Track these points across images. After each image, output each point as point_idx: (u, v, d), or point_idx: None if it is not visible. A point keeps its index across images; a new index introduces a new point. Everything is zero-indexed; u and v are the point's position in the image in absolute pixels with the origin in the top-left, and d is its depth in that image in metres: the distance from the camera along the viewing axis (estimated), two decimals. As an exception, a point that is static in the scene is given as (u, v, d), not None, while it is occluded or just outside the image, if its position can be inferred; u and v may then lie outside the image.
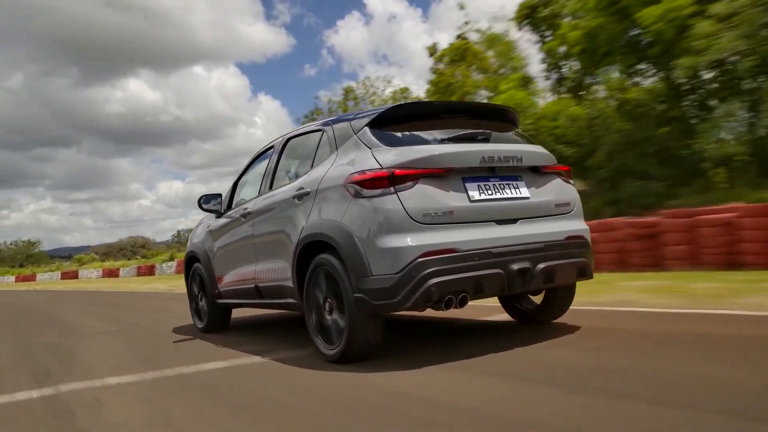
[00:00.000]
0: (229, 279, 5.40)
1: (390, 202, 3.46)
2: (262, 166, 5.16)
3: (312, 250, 3.94)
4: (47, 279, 51.36)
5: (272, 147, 5.06)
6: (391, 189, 3.49)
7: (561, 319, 4.55)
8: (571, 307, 4.47)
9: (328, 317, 3.86)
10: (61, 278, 49.22)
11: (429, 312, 4.10)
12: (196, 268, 6.07)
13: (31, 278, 54.13)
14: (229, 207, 5.55)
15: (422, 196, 3.51)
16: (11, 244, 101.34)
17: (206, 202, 5.67)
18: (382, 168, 3.56)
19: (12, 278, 58.20)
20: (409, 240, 3.42)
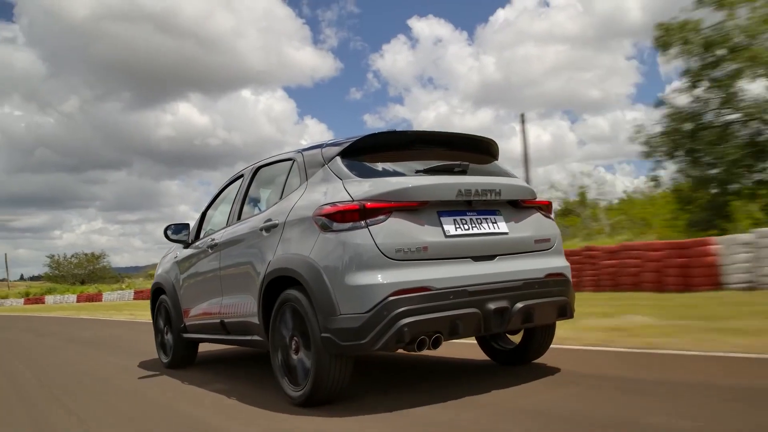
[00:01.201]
0: (195, 312, 5.15)
1: (360, 237, 3.27)
2: (231, 196, 4.95)
3: (279, 286, 3.72)
4: (116, 299, 39.11)
5: (242, 176, 4.86)
6: (362, 223, 3.30)
7: (540, 360, 4.35)
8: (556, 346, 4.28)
9: (295, 357, 3.63)
10: (135, 297, 36.91)
11: (402, 351, 3.88)
12: (162, 301, 5.80)
13: (97, 298, 42.49)
14: (197, 237, 5.32)
15: (395, 230, 3.32)
16: (72, 257, 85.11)
17: (175, 232, 5.43)
18: (353, 200, 3.37)
19: (73, 298, 46.49)
20: (380, 277, 3.22)
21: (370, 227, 3.29)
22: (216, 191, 5.38)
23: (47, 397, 4.77)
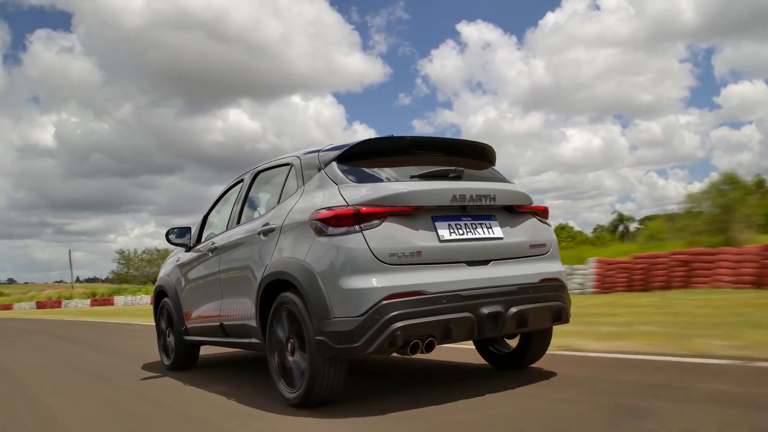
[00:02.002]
0: (196, 315, 5.21)
1: (354, 241, 3.31)
2: (231, 200, 5.00)
3: (275, 289, 3.77)
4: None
5: (242, 180, 4.91)
6: (356, 227, 3.34)
7: (538, 364, 4.36)
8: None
9: (290, 359, 3.67)
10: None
11: (395, 354, 3.91)
12: (165, 303, 5.87)
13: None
14: (199, 241, 5.37)
15: (389, 235, 3.36)
16: (143, 253, 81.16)
17: (178, 236, 5.48)
18: (348, 205, 3.41)
19: (147, 299, 42.94)
20: (374, 281, 3.25)
21: (364, 232, 3.33)
22: (217, 195, 5.43)
23: None
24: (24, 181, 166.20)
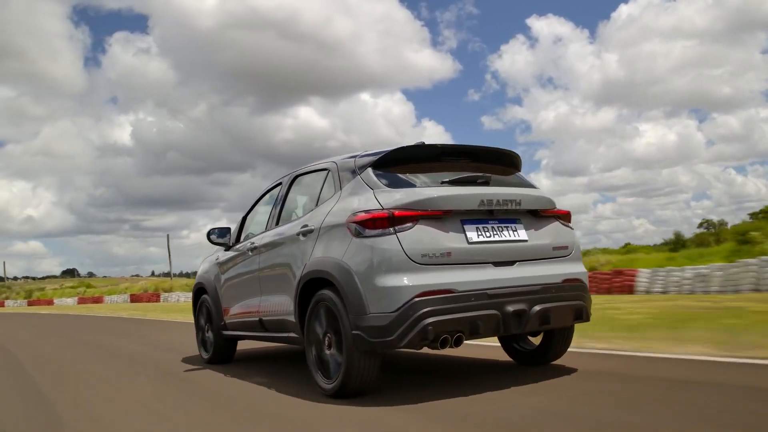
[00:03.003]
0: (235, 311, 5.50)
1: (389, 242, 3.57)
2: (270, 202, 5.29)
3: (314, 286, 4.04)
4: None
5: (280, 183, 5.20)
6: (391, 229, 3.59)
7: (559, 361, 4.58)
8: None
9: (327, 352, 3.94)
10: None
11: (426, 349, 4.15)
12: (204, 300, 6.17)
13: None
14: (237, 240, 5.67)
15: (421, 237, 3.61)
16: None
17: (219, 236, 5.77)
18: (383, 209, 3.67)
19: None
20: (407, 280, 3.51)
21: (398, 234, 3.58)
22: (256, 197, 5.72)
23: None
24: (103, 179, 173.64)
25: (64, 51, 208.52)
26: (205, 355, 6.18)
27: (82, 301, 48.95)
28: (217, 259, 6.01)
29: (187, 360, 6.50)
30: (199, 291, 6.36)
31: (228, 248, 5.77)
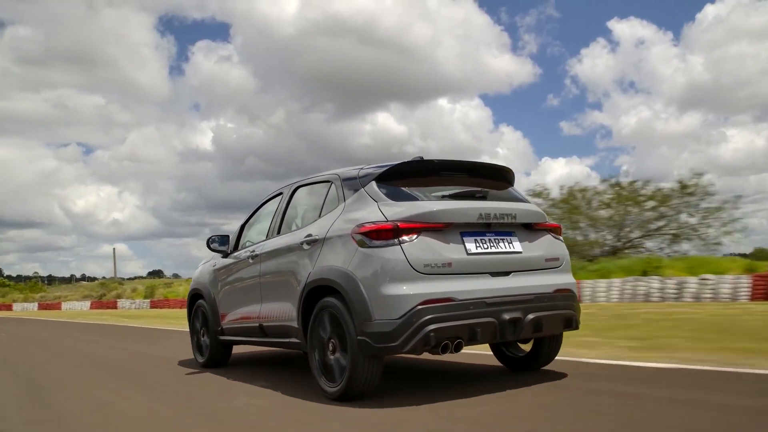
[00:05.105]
0: (233, 317, 5.63)
1: (394, 253, 3.76)
2: (269, 212, 5.44)
3: (318, 294, 4.21)
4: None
5: (281, 194, 5.36)
6: (395, 241, 3.79)
7: (548, 367, 4.80)
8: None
9: (331, 357, 4.11)
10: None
11: (425, 355, 4.35)
12: (200, 305, 6.27)
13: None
14: (236, 248, 5.81)
15: (423, 248, 3.81)
16: None
17: (220, 243, 5.89)
18: (388, 221, 3.87)
19: None
20: (411, 288, 3.71)
21: (402, 245, 3.79)
22: (254, 207, 5.86)
23: None
24: (185, 184, 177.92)
25: (151, 60, 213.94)
26: (201, 360, 6.28)
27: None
28: (214, 265, 6.13)
29: (183, 363, 6.59)
30: (194, 296, 6.45)
31: (226, 255, 5.90)
